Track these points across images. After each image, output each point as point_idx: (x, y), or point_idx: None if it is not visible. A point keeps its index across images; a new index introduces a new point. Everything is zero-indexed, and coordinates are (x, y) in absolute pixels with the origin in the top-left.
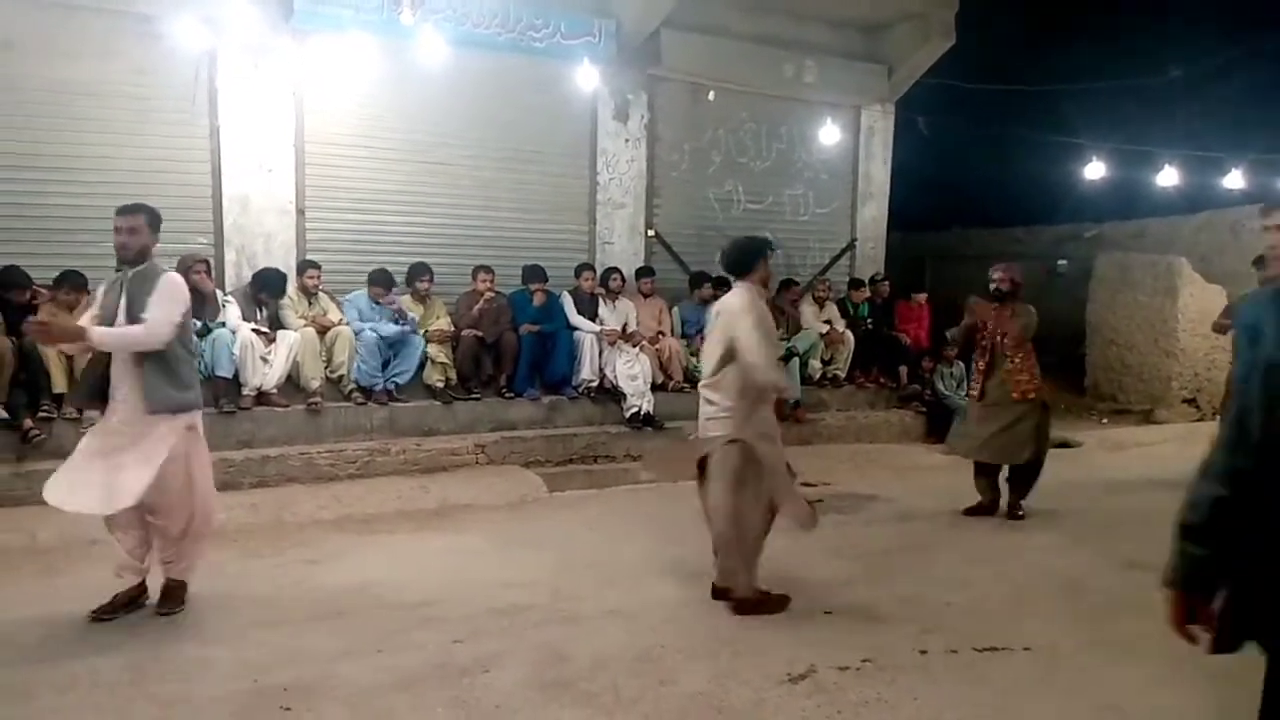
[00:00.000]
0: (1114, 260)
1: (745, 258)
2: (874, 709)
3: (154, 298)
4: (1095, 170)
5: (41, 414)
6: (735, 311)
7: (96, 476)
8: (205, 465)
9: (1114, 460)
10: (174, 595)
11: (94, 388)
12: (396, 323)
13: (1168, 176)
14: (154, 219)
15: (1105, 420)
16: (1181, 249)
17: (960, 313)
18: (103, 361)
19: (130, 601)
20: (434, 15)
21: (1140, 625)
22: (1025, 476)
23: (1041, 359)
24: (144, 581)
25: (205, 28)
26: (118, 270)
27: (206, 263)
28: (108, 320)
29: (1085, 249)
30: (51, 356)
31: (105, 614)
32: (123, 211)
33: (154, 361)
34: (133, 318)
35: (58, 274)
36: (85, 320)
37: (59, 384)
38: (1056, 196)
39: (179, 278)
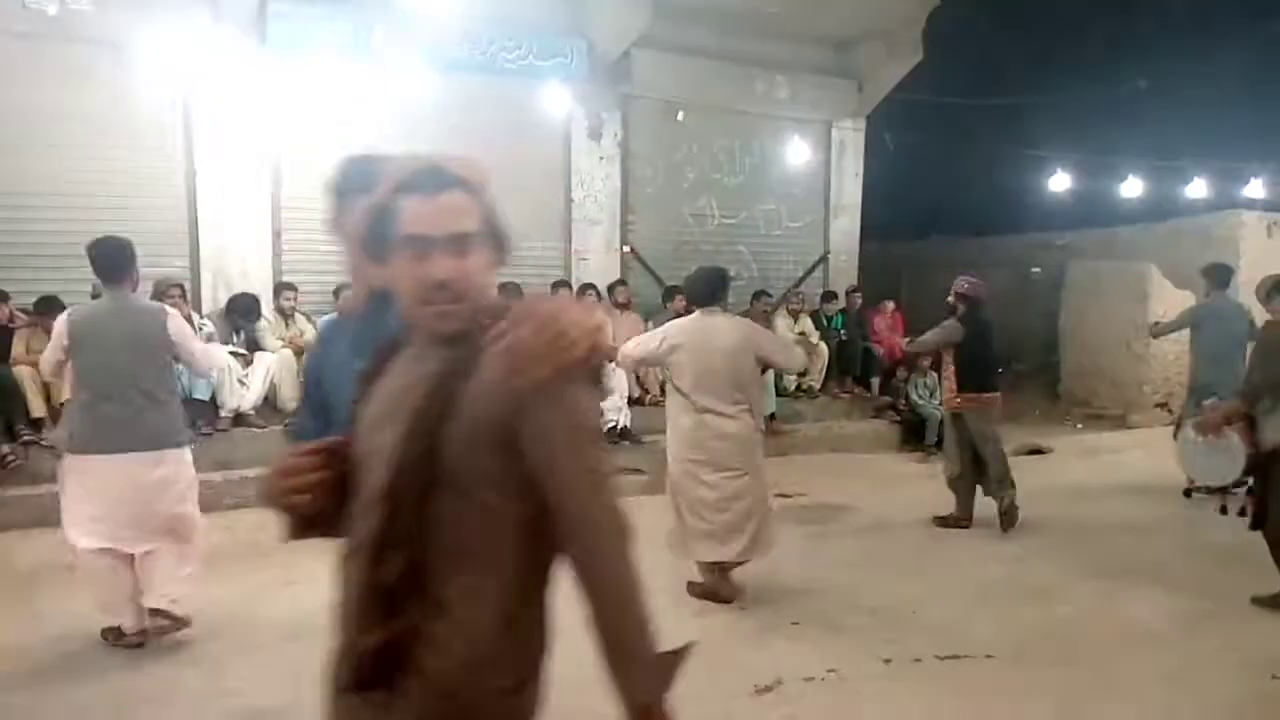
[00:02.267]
0: (1085, 268)
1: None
2: (838, 718)
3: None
4: (1061, 181)
5: (23, 438)
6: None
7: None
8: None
9: (1084, 466)
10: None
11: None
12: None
13: (1132, 186)
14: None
15: (1080, 425)
16: (1150, 256)
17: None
18: None
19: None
20: (405, 40)
21: (1103, 634)
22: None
23: (1016, 366)
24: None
25: (179, 55)
26: None
27: (181, 287)
28: None
29: (1057, 257)
30: (28, 381)
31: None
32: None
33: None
34: None
35: (36, 299)
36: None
37: (36, 409)
38: (1028, 206)
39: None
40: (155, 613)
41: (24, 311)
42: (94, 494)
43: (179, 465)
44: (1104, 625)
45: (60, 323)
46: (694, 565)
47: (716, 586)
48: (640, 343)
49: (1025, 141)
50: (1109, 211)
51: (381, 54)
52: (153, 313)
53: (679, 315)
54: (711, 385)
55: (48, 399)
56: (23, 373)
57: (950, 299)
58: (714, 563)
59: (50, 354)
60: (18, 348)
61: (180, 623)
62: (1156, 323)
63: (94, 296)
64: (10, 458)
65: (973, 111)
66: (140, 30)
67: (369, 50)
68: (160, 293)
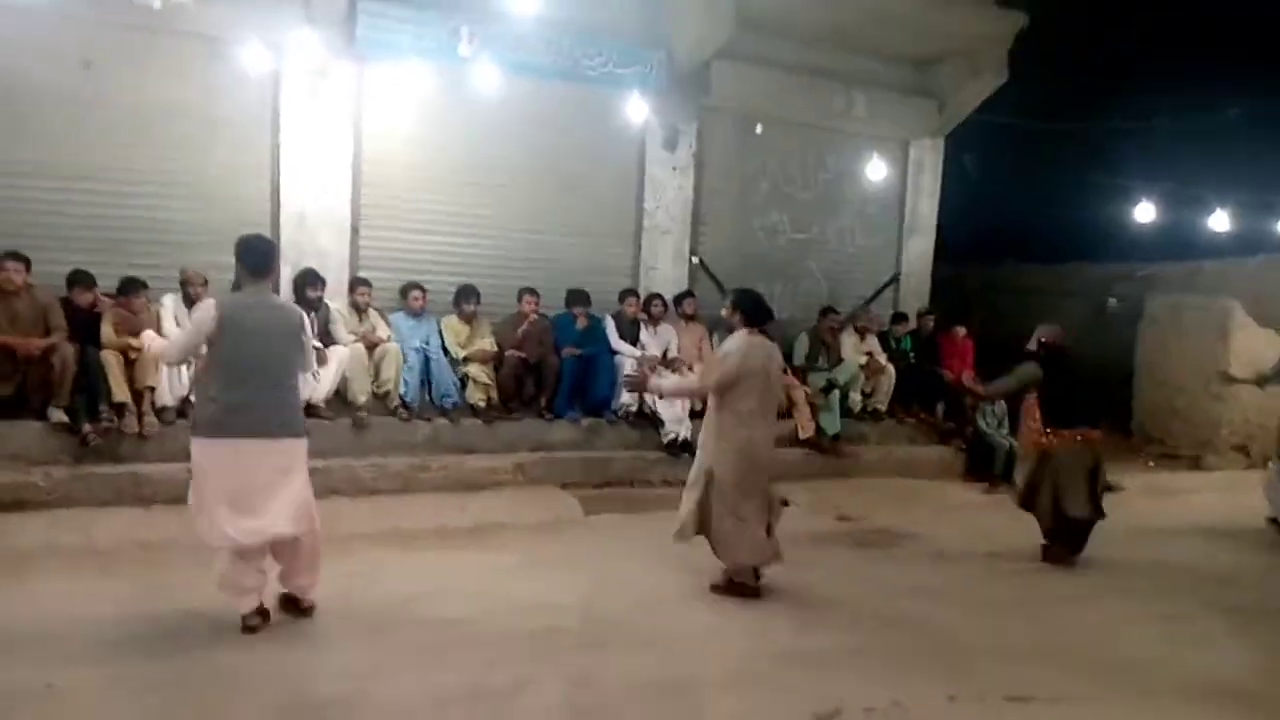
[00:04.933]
0: (1165, 301)
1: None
2: None
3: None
4: (1145, 212)
5: (102, 421)
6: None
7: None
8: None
9: (1156, 507)
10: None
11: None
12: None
13: (1220, 219)
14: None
15: (1152, 464)
16: (1235, 292)
17: (1007, 351)
18: None
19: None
20: (491, 45)
21: (1173, 682)
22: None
23: (1089, 400)
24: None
25: (270, 51)
26: None
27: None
28: None
29: (1136, 289)
30: (112, 364)
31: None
32: None
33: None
34: None
35: (121, 280)
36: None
37: (119, 393)
38: (1107, 235)
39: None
40: (288, 600)
41: (107, 295)
42: (230, 477)
43: (303, 454)
44: (1174, 672)
45: (209, 309)
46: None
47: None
48: (717, 371)
49: (1108, 169)
50: (1193, 244)
51: (466, 56)
52: (292, 309)
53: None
54: (769, 402)
55: (131, 383)
56: (108, 357)
57: (1031, 346)
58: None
59: (188, 339)
60: (105, 330)
61: (306, 612)
62: (1263, 374)
63: (235, 288)
64: (92, 436)
65: (1055, 136)
66: (235, 24)
67: (454, 53)
68: (185, 280)
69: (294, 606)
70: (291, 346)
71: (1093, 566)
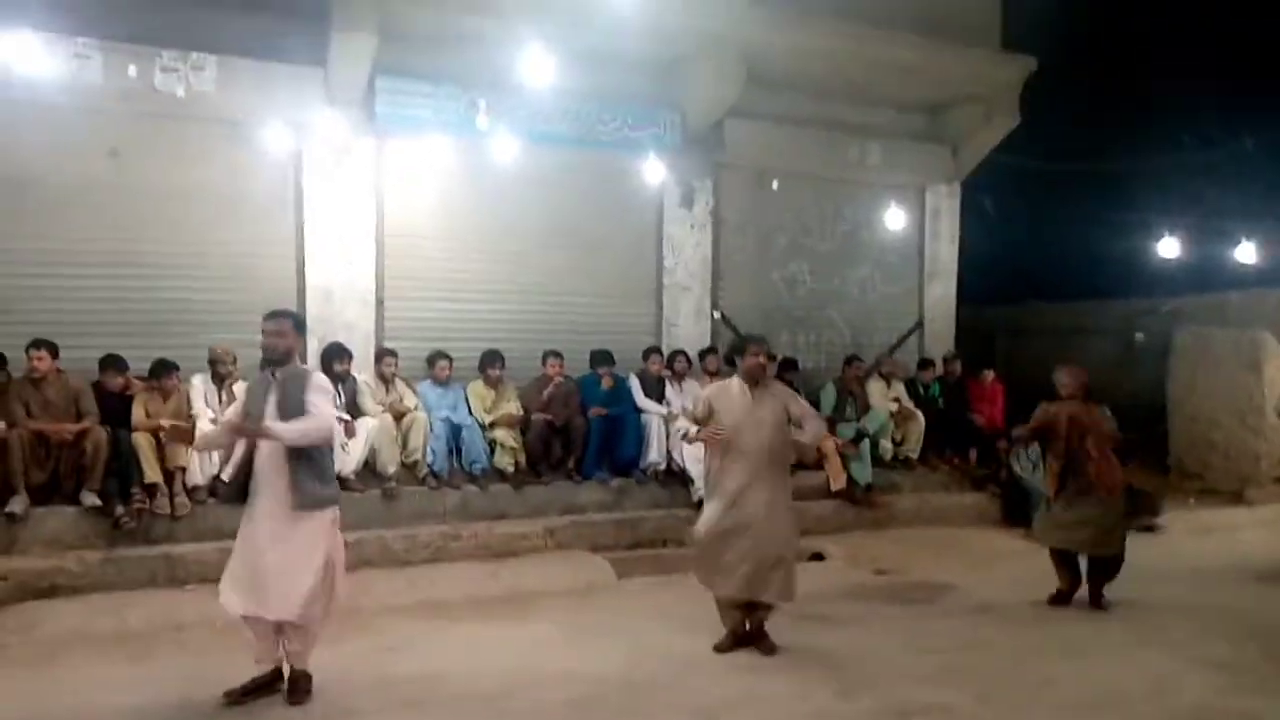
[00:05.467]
0: (1194, 334)
1: (733, 350)
2: None
3: (312, 394)
4: (1169, 247)
5: (134, 503)
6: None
7: (261, 579)
8: (341, 557)
9: (1201, 546)
10: (300, 685)
11: (241, 487)
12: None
13: (1245, 251)
14: (299, 323)
15: (1192, 501)
16: (1265, 323)
17: (1035, 392)
18: (249, 460)
19: (264, 686)
20: (507, 115)
21: None
22: (1109, 565)
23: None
24: (279, 668)
25: (292, 131)
26: (262, 370)
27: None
28: (256, 419)
29: (1162, 323)
30: (144, 446)
31: (239, 697)
32: (269, 316)
33: (304, 457)
34: (286, 415)
35: (152, 363)
36: (232, 417)
37: (151, 474)
38: (1130, 270)
39: (325, 377)
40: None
41: (139, 377)
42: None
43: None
44: None
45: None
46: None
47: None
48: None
49: (1128, 204)
50: (1220, 276)
51: (483, 128)
52: (303, 373)
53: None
54: (756, 445)
55: (162, 463)
56: (139, 439)
57: (1078, 393)
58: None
59: (333, 414)
60: (137, 413)
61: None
62: None
63: (211, 362)
64: (125, 519)
65: (1073, 174)
66: (257, 108)
67: (472, 125)
68: (213, 359)
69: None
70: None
71: (1140, 610)
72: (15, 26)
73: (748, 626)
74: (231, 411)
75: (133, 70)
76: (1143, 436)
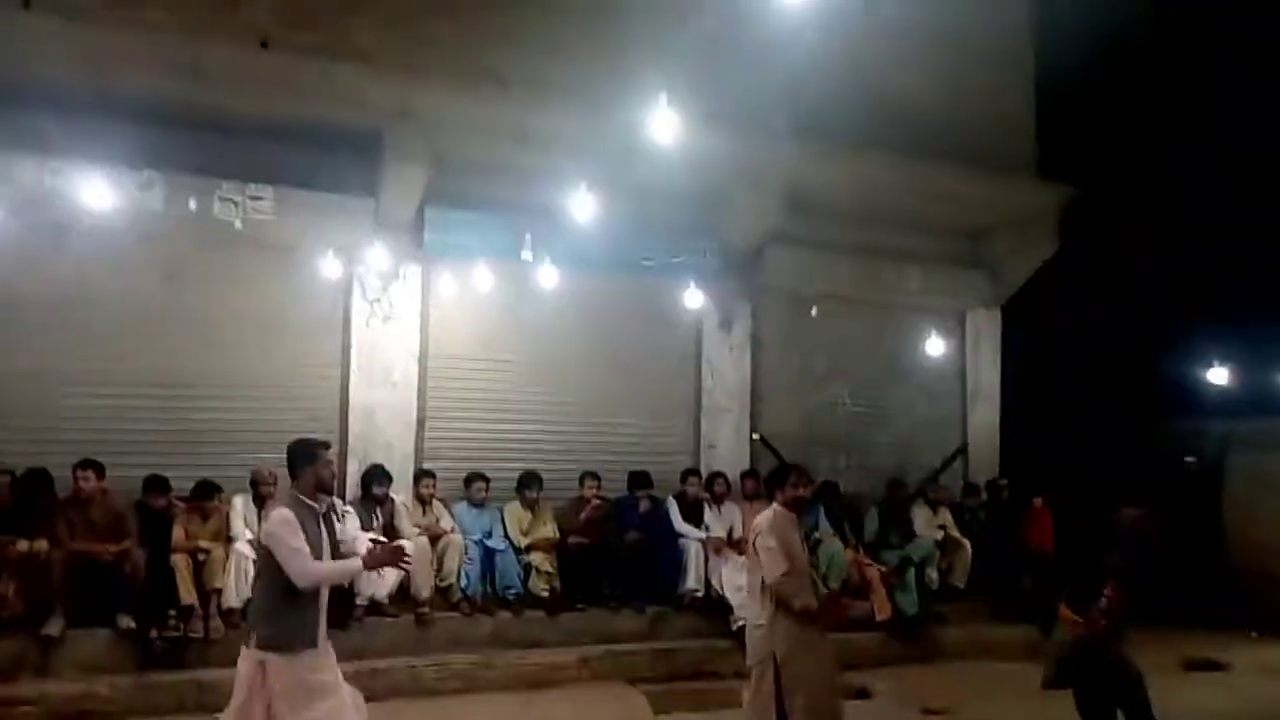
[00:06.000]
0: (1249, 460)
1: (772, 478)
2: None
3: (348, 529)
4: (1219, 375)
5: (169, 625)
6: (762, 530)
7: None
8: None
9: (1271, 687)
10: None
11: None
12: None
13: None
14: None
15: (1255, 635)
16: None
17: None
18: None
19: None
20: (550, 243)
21: None
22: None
23: (1172, 565)
24: None
25: (342, 256)
26: (319, 499)
27: (275, 475)
28: (317, 551)
29: (1215, 448)
30: (181, 568)
31: None
32: (326, 446)
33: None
34: (336, 551)
35: (195, 484)
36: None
37: (186, 595)
38: (1183, 392)
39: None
40: None
41: (180, 497)
42: (317, 693)
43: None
44: None
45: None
46: None
47: None
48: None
49: (1179, 326)
50: (1272, 400)
51: (528, 259)
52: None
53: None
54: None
55: (198, 586)
56: (178, 560)
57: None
58: None
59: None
60: (177, 534)
61: None
62: None
63: (252, 483)
64: (158, 642)
65: (1118, 297)
66: (309, 235)
67: (516, 252)
68: (256, 479)
69: None
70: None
71: None
72: (83, 159)
73: None
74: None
75: (192, 201)
76: (1197, 568)
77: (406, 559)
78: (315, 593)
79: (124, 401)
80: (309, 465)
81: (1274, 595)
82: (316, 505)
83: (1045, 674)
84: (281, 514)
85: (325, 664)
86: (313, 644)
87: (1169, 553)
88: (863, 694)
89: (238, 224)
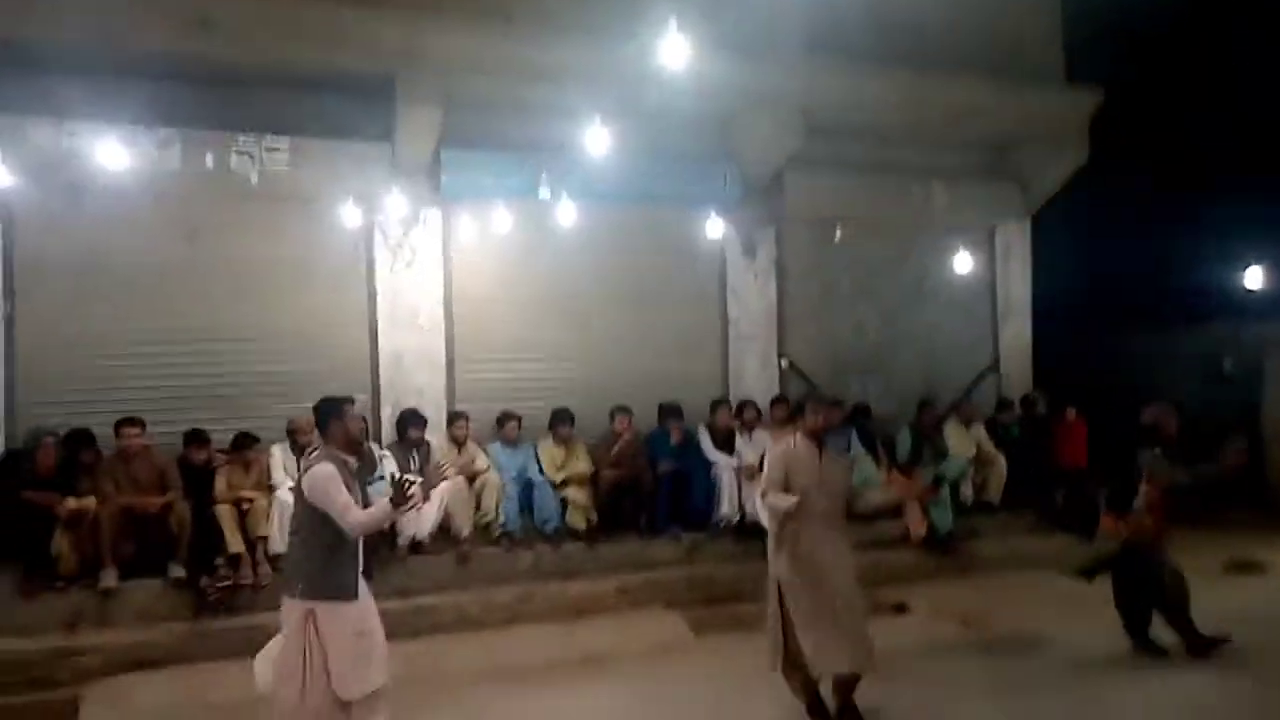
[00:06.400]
0: None
1: (796, 409)
2: None
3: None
4: (1254, 277)
5: (219, 574)
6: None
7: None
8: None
9: None
10: None
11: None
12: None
13: None
14: None
15: None
16: None
17: (1122, 425)
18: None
19: None
20: (568, 179)
21: None
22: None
23: (1211, 468)
24: None
25: (361, 204)
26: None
27: (364, 420)
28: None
29: (1254, 351)
30: (226, 517)
31: None
32: (352, 401)
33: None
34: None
35: (234, 436)
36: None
37: (234, 544)
38: (1216, 298)
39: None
40: None
41: (220, 450)
42: (362, 638)
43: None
44: None
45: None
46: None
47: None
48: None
49: (1211, 230)
50: None
51: (545, 196)
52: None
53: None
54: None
55: (244, 534)
56: (222, 510)
57: (1146, 428)
58: None
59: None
60: (219, 485)
61: None
62: None
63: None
64: (210, 591)
65: (1150, 202)
66: (327, 184)
67: (534, 190)
68: (294, 429)
69: None
70: None
71: (1247, 660)
72: (99, 120)
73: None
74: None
75: (209, 156)
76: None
77: (442, 474)
78: (356, 543)
79: (158, 360)
80: (337, 421)
81: None
82: (350, 459)
83: (1082, 565)
84: (325, 470)
85: (369, 610)
86: (356, 593)
87: (1203, 455)
88: (900, 609)
89: (255, 177)
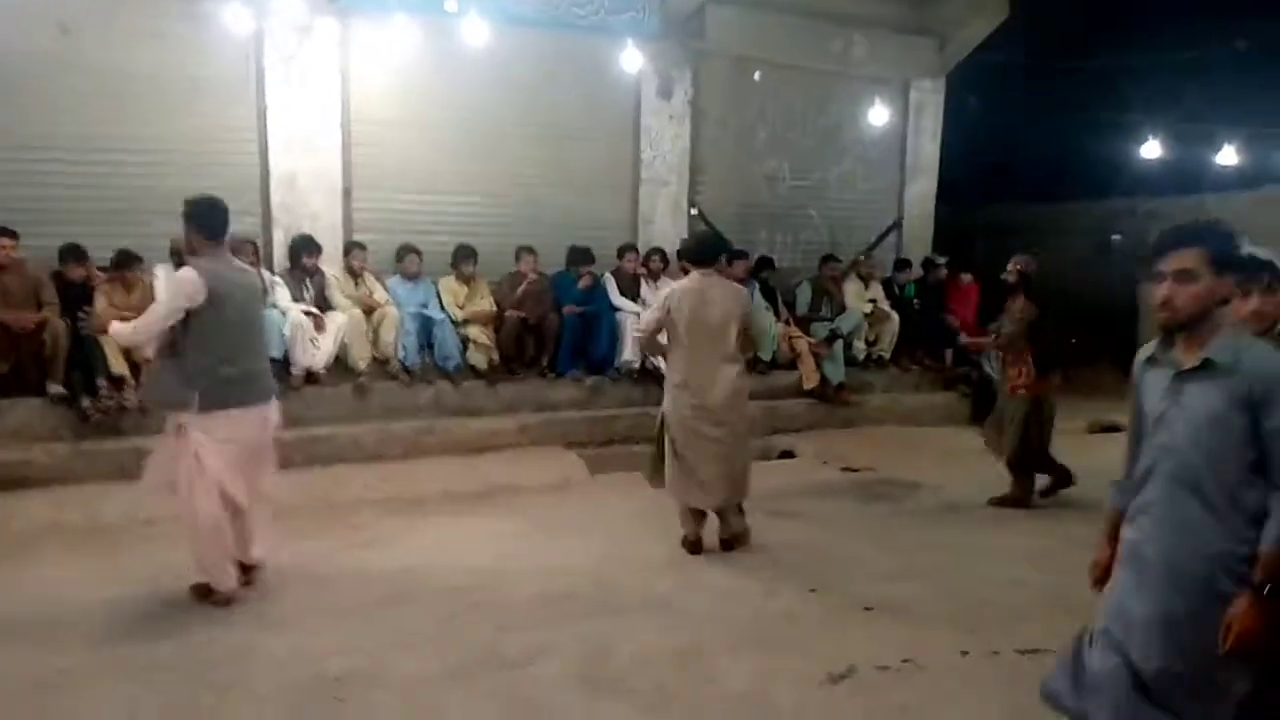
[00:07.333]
0: None
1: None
2: (915, 714)
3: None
4: (1151, 149)
5: (101, 396)
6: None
7: None
8: (192, 466)
9: None
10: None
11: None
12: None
13: (1228, 155)
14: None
15: None
16: (1238, 224)
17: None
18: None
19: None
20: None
21: None
22: (1025, 468)
23: (1095, 339)
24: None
25: (251, 9)
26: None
27: (254, 244)
28: None
29: (1139, 225)
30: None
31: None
32: None
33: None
34: None
35: (115, 254)
36: None
37: (116, 366)
38: (1111, 172)
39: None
40: (251, 568)
41: (101, 268)
42: (228, 449)
43: (275, 417)
44: None
45: (193, 279)
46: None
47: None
48: (648, 319)
49: (1113, 104)
50: (1200, 179)
51: (452, 9)
52: (252, 271)
53: (740, 281)
54: (712, 342)
55: (128, 355)
56: None
57: (1010, 277)
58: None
59: (166, 313)
60: (99, 304)
61: (255, 570)
62: None
63: (173, 253)
64: (92, 412)
65: (1059, 72)
66: None
67: (439, 7)
68: (235, 249)
69: (258, 570)
70: (262, 310)
71: (1097, 510)
72: None
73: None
74: None
75: None
76: (1116, 338)
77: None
78: (230, 357)
79: (29, 166)
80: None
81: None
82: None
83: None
84: (178, 274)
85: (242, 421)
86: (218, 405)
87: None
88: (788, 454)
89: None
